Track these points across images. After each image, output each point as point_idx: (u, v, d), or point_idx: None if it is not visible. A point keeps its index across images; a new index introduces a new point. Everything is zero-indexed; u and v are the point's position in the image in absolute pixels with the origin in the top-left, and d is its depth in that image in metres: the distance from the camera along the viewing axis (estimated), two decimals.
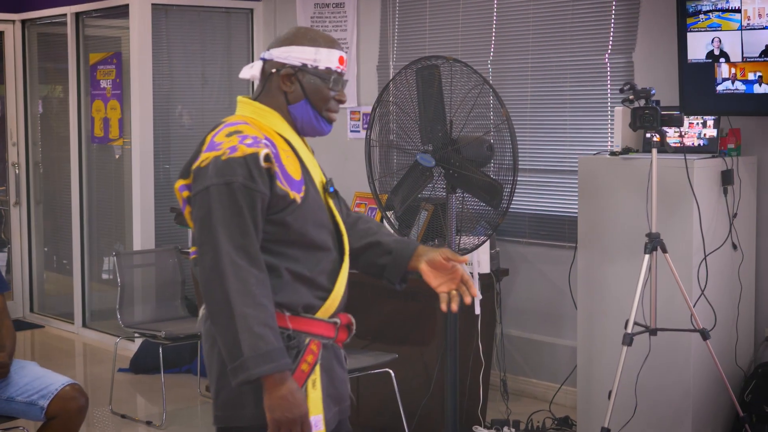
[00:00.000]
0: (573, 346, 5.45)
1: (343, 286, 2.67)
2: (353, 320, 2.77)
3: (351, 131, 6.84)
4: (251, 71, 2.70)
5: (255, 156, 2.49)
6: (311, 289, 2.60)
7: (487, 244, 5.00)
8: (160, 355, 5.65)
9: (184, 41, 7.36)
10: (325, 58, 2.65)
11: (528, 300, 6.00)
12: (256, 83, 2.72)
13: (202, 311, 2.66)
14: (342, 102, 2.71)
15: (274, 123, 2.64)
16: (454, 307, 2.72)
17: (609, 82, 5.58)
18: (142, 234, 7.00)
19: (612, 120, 5.41)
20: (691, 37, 4.85)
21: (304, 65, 2.64)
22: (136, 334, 6.02)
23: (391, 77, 5.06)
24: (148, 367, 6.53)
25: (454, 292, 2.74)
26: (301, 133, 2.70)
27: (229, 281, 2.44)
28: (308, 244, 2.59)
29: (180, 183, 2.61)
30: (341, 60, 2.68)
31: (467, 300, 2.72)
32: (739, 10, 4.69)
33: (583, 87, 5.71)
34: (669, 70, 5.13)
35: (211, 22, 7.43)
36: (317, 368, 2.60)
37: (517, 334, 6.02)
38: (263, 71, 2.69)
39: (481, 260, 5.08)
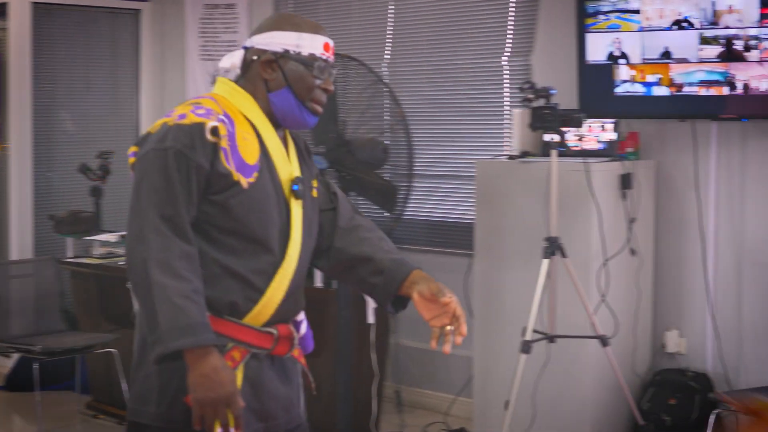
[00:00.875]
0: (469, 356, 5.32)
1: (280, 292, 2.44)
2: (295, 333, 2.52)
3: None
4: (231, 60, 2.51)
5: (201, 126, 2.34)
6: (243, 288, 2.40)
7: None
8: (35, 371, 5.34)
9: (67, 43, 7.08)
10: (308, 44, 2.47)
11: None
12: (235, 73, 2.52)
13: None
14: (328, 92, 2.51)
15: (244, 105, 2.47)
16: (447, 348, 2.48)
17: (507, 85, 5.47)
18: (19, 243, 6.73)
19: (509, 124, 5.31)
20: (591, 38, 4.78)
21: (286, 51, 2.46)
22: (11, 349, 5.70)
23: None
24: (24, 384, 6.19)
25: (448, 328, 2.50)
26: (282, 124, 2.50)
27: (151, 251, 2.28)
28: (248, 236, 2.40)
29: (131, 150, 2.45)
30: (327, 46, 2.49)
31: (457, 340, 2.49)
32: (638, 11, 4.62)
33: (480, 90, 5.60)
34: (568, 73, 5.04)
35: (97, 23, 7.17)
36: (237, 377, 2.38)
37: (411, 344, 5.87)
38: (244, 60, 2.50)
39: None
